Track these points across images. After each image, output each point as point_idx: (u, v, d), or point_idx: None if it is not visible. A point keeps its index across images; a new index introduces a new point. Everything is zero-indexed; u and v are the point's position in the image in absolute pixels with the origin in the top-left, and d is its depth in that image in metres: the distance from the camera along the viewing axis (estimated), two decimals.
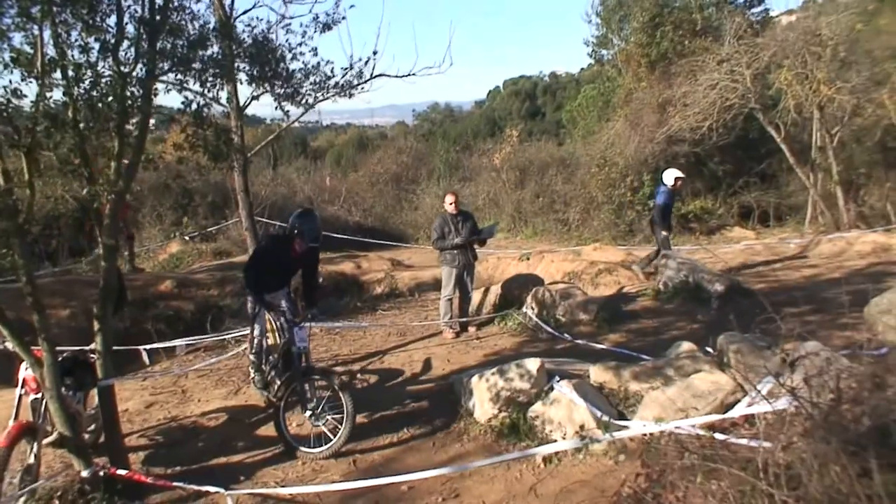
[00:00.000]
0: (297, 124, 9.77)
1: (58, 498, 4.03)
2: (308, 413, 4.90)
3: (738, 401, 3.96)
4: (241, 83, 5.98)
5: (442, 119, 58.14)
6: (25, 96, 3.55)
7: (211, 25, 4.90)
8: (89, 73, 3.79)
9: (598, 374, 5.21)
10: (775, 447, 2.39)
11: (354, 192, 21.66)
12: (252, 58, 5.44)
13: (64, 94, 3.72)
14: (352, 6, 7.13)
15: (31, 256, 4.09)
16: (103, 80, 3.87)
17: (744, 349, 4.80)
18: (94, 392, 4.57)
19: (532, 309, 7.85)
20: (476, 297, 8.45)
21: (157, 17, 3.96)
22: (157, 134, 14.91)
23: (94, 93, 3.82)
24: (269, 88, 6.09)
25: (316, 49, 6.72)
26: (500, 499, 4.00)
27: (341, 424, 4.74)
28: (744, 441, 2.82)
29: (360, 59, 7.59)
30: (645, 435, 3.54)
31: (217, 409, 5.87)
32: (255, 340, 5.72)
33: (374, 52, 7.61)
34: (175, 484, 4.21)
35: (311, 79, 6.80)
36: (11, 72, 3.50)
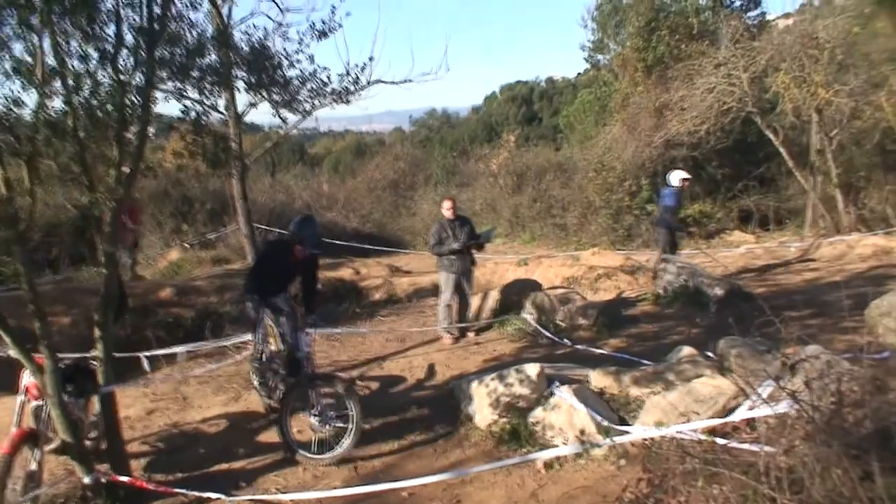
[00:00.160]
0: (294, 131, 9.79)
1: None
2: (314, 419, 4.87)
3: (740, 405, 3.96)
4: (239, 91, 5.98)
5: (439, 125, 58.13)
6: (26, 105, 3.57)
7: (209, 34, 4.92)
8: (89, 81, 3.80)
9: (598, 379, 5.22)
10: (777, 451, 2.40)
11: (352, 198, 21.65)
12: (249, 65, 5.43)
13: (64, 102, 3.72)
14: (348, 14, 7.15)
15: (32, 264, 4.10)
16: (102, 89, 3.88)
17: (745, 353, 4.81)
18: (96, 399, 4.55)
19: (531, 314, 7.85)
20: (475, 302, 8.45)
21: (156, 27, 3.97)
22: (157, 142, 14.91)
23: (94, 101, 3.83)
24: (266, 96, 6.08)
25: (313, 56, 6.70)
26: None
27: (346, 430, 4.72)
28: (745, 445, 2.83)
29: (357, 66, 7.59)
30: (646, 440, 3.54)
31: (217, 415, 5.86)
32: (258, 347, 5.69)
33: (371, 59, 7.63)
34: (176, 490, 4.21)
35: (308, 86, 6.77)
36: (13, 81, 3.51)
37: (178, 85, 4.44)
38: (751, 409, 3.51)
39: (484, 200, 20.45)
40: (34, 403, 4.31)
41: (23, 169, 3.66)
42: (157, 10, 3.99)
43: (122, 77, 3.90)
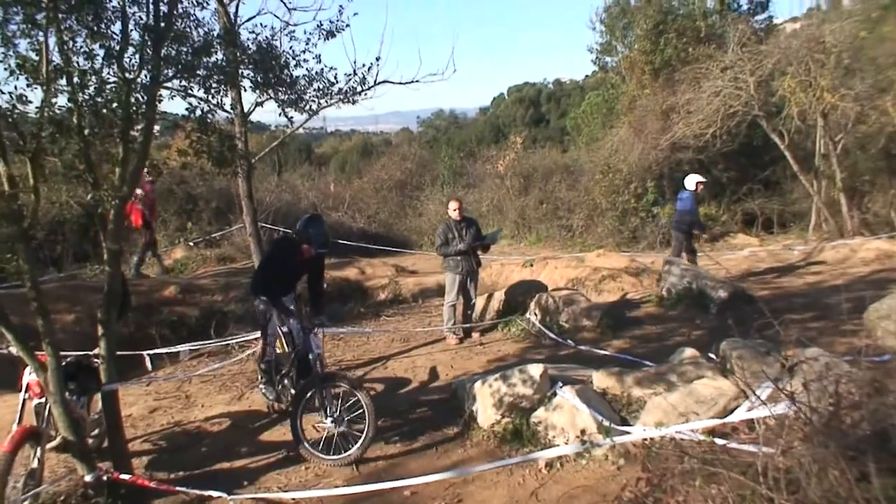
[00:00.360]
0: (301, 131, 9.82)
1: (61, 502, 4.05)
2: (327, 420, 4.84)
3: (741, 406, 3.95)
4: (246, 90, 5.99)
5: (446, 126, 58.27)
6: (31, 102, 3.57)
7: (215, 32, 4.95)
8: (94, 79, 3.81)
9: (600, 379, 5.22)
10: (775, 452, 2.39)
11: (359, 198, 21.70)
12: (256, 64, 5.45)
13: (69, 100, 3.73)
14: (355, 14, 7.16)
15: (35, 262, 4.12)
16: (108, 87, 3.90)
17: (746, 355, 4.80)
18: (98, 397, 4.58)
19: (535, 315, 7.86)
20: (480, 303, 8.47)
21: (162, 24, 3.99)
22: (162, 140, 14.97)
23: (99, 99, 3.84)
24: (272, 95, 6.11)
25: (319, 56, 6.72)
26: None
27: (361, 430, 4.70)
28: (744, 446, 2.83)
29: (364, 66, 7.60)
30: (646, 440, 3.54)
31: (220, 414, 5.88)
32: (267, 349, 5.65)
33: (378, 59, 7.62)
34: (178, 489, 4.22)
35: (315, 85, 6.79)
36: (17, 78, 3.52)
37: (184, 83, 4.46)
38: (749, 410, 3.50)
39: (490, 202, 20.46)
40: (36, 401, 4.34)
41: (27, 166, 3.68)
42: (163, 7, 4.02)
43: (127, 75, 3.92)
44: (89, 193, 3.95)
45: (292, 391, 5.29)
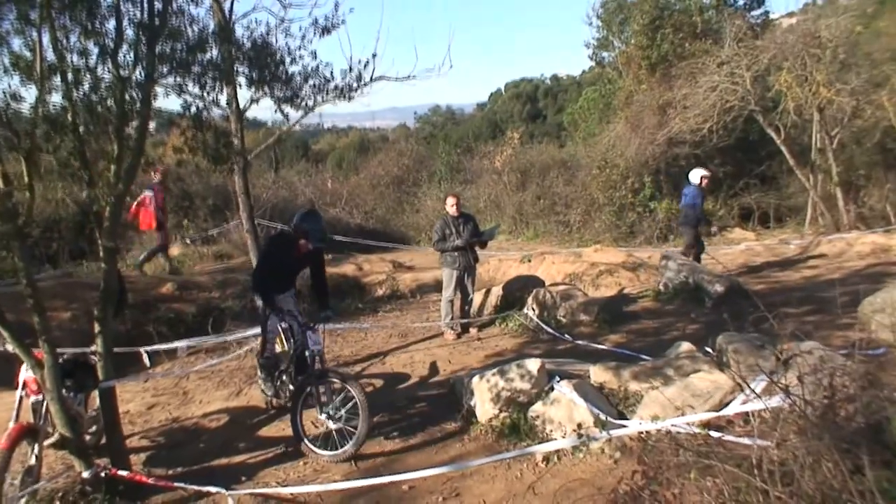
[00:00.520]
0: (298, 127, 9.77)
1: (59, 499, 4.04)
2: (325, 416, 4.85)
3: (736, 399, 3.97)
4: (241, 86, 5.97)
5: (443, 121, 58.14)
6: (25, 100, 3.57)
7: (210, 29, 4.92)
8: (88, 76, 3.80)
9: (598, 374, 5.23)
10: (769, 444, 2.41)
11: (356, 194, 21.68)
12: (251, 61, 5.43)
13: (63, 97, 3.73)
14: (351, 10, 7.13)
15: (31, 259, 4.12)
16: (102, 84, 3.88)
17: (742, 349, 4.82)
18: (96, 394, 4.58)
19: (533, 310, 7.87)
20: (477, 298, 8.48)
21: (156, 21, 3.98)
22: (158, 137, 14.92)
23: (94, 96, 3.83)
24: (268, 92, 6.09)
25: (315, 52, 6.70)
26: (500, 498, 4.01)
27: (356, 426, 4.70)
28: (739, 438, 2.84)
29: (360, 62, 7.57)
30: (642, 433, 3.56)
31: (218, 410, 5.89)
32: (267, 345, 5.64)
33: (374, 55, 7.58)
34: (176, 485, 4.22)
35: (311, 82, 6.78)
36: (11, 76, 3.52)
37: (179, 80, 4.44)
38: (745, 403, 3.52)
39: (488, 197, 20.47)
40: (33, 398, 4.33)
41: (22, 164, 3.67)
42: (157, 4, 4.00)
43: (122, 72, 3.91)
44: (84, 191, 3.94)
45: (291, 387, 5.29)
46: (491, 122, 51.18)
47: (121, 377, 5.46)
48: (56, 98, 3.75)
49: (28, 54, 3.60)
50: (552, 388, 4.85)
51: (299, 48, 6.34)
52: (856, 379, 2.64)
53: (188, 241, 13.79)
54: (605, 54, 21.75)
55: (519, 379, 4.96)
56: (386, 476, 4.07)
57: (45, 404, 4.21)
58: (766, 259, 11.45)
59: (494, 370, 5.14)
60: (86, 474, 4.06)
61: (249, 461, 4.86)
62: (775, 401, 2.85)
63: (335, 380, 4.96)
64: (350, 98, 7.71)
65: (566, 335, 7.27)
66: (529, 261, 10.77)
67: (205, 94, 4.62)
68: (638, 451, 3.48)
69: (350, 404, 4.79)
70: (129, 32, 4.01)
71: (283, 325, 5.42)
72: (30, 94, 3.60)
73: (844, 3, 15.03)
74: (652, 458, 2.81)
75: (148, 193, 10.14)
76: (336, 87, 7.39)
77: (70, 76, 3.70)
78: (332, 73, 7.07)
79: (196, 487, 4.15)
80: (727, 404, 4.01)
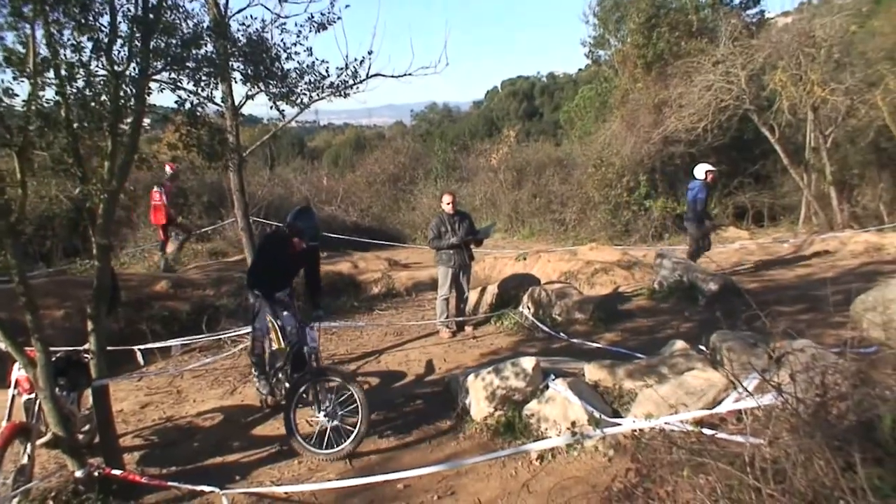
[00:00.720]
0: (294, 124, 9.77)
1: (52, 498, 4.02)
2: (321, 413, 4.84)
3: (729, 397, 3.98)
4: (236, 82, 5.97)
5: (440, 119, 58.12)
6: (17, 95, 3.54)
7: (205, 24, 4.92)
8: (82, 72, 3.78)
9: (592, 372, 5.24)
10: (762, 442, 2.42)
11: (352, 192, 21.65)
12: (246, 57, 5.43)
13: (56, 93, 3.70)
14: (347, 6, 7.12)
15: (24, 257, 4.10)
16: (96, 80, 3.87)
17: (736, 347, 4.83)
18: (89, 392, 4.56)
19: (528, 308, 7.88)
20: (473, 296, 8.48)
21: (151, 16, 3.96)
22: (153, 133, 14.87)
23: (87, 92, 3.81)
24: (263, 88, 6.08)
25: (311, 49, 6.71)
26: (495, 496, 4.02)
27: (354, 424, 4.70)
28: (731, 436, 2.85)
29: (356, 59, 7.57)
30: (636, 431, 3.57)
31: (212, 409, 5.87)
32: (256, 343, 5.63)
33: (370, 52, 7.59)
34: (170, 484, 4.20)
35: (306, 78, 6.78)
36: (3, 71, 3.49)
37: (174, 76, 4.43)
38: (737, 401, 3.53)
39: (484, 195, 20.48)
40: (25, 397, 4.32)
41: (14, 160, 3.64)
42: None
43: (116, 67, 3.89)
44: (78, 188, 3.92)
45: (286, 385, 5.28)
46: (487, 120, 51.15)
47: (114, 376, 5.46)
48: (49, 94, 3.73)
49: (21, 49, 3.57)
50: (547, 387, 4.86)
51: (295, 44, 6.35)
52: (848, 377, 2.66)
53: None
54: (601, 52, 21.79)
55: (514, 377, 4.97)
56: (381, 475, 4.07)
57: (37, 403, 4.19)
58: (759, 258, 11.48)
59: (489, 368, 5.15)
60: (79, 473, 4.04)
61: (243, 460, 4.85)
62: (768, 399, 2.86)
63: (334, 378, 4.95)
64: (346, 95, 7.72)
65: (561, 333, 7.28)
66: (525, 259, 10.78)
67: (200, 90, 4.63)
68: (632, 449, 3.49)
69: (347, 402, 4.79)
70: (124, 27, 4.00)
71: (278, 322, 5.39)
72: (23, 89, 3.58)
73: (839, 2, 15.08)
74: (645, 455, 2.82)
75: (159, 189, 10.40)
76: (332, 84, 7.40)
77: (64, 71, 3.67)
78: (327, 69, 7.08)
79: (190, 486, 4.12)
80: (720, 402, 4.03)
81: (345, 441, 4.70)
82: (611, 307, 8.23)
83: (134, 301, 8.32)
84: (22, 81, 3.55)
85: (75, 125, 3.80)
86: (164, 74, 4.32)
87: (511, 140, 22.48)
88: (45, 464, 4.59)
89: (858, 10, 14.82)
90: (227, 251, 12.72)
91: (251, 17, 6.14)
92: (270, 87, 6.07)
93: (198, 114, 4.57)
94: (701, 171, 9.88)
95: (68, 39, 3.75)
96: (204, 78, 4.54)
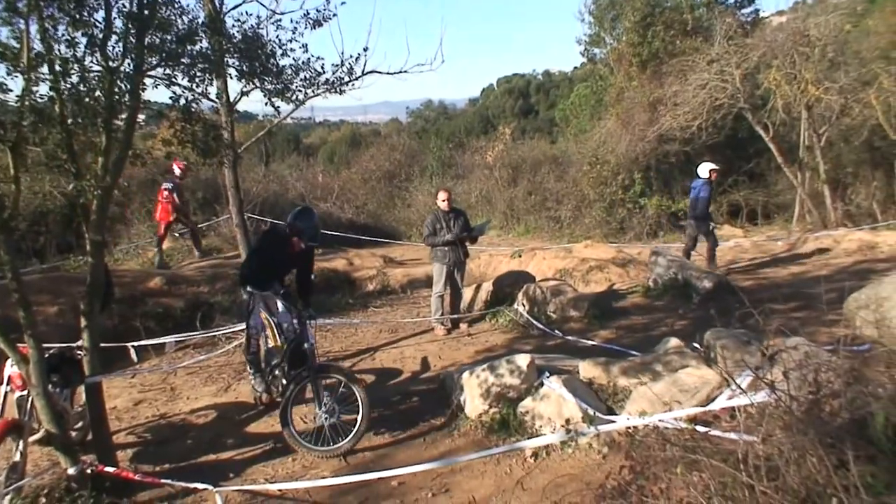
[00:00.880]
0: (289, 121, 9.76)
1: (44, 496, 4.00)
2: (321, 411, 4.82)
3: (723, 395, 4.01)
4: (231, 79, 5.93)
5: (436, 116, 58.11)
6: (11, 91, 3.53)
7: (200, 20, 4.88)
8: (76, 67, 3.75)
9: (587, 369, 5.26)
10: (755, 439, 2.43)
11: (347, 188, 21.61)
12: (242, 53, 5.40)
13: (50, 88, 3.67)
14: (343, 2, 7.09)
15: (17, 253, 4.07)
16: (90, 75, 3.84)
17: (730, 345, 4.85)
18: (82, 389, 4.54)
19: (523, 306, 7.90)
20: (468, 293, 8.49)
21: (146, 12, 3.94)
22: (147, 130, 14.80)
23: (82, 88, 3.79)
24: (258, 84, 6.06)
25: (306, 45, 6.69)
26: (489, 493, 4.03)
27: (354, 421, 4.70)
28: (725, 434, 2.87)
29: (351, 56, 7.56)
30: (630, 428, 3.59)
31: (206, 406, 5.86)
32: (252, 339, 5.61)
33: (365, 49, 7.57)
34: (163, 481, 4.19)
35: (302, 75, 6.75)
36: None
37: (168, 72, 4.40)
38: (731, 398, 3.55)
39: (479, 192, 20.49)
40: (18, 394, 4.30)
41: (7, 156, 3.62)
42: None
43: (110, 63, 3.87)
44: (71, 184, 3.90)
45: (283, 382, 5.27)
46: (483, 118, 51.18)
47: (107, 372, 5.43)
48: (43, 89, 3.70)
49: (15, 44, 3.55)
50: (541, 384, 4.87)
51: (290, 41, 6.32)
52: (841, 374, 2.67)
53: (177, 235, 13.70)
54: (596, 51, 21.84)
55: (508, 374, 4.98)
56: (375, 472, 4.08)
57: (30, 400, 4.17)
58: (753, 255, 11.53)
59: (484, 366, 5.15)
60: (71, 471, 4.02)
61: (238, 457, 4.85)
62: (761, 396, 2.88)
63: (334, 375, 4.95)
64: (341, 92, 7.70)
65: (556, 331, 7.30)
66: (520, 256, 10.79)
67: (194, 86, 4.60)
68: (626, 447, 3.50)
69: (348, 399, 4.78)
70: (118, 23, 3.98)
71: (274, 319, 5.38)
72: (16, 84, 3.55)
73: (834, 1, 15.13)
74: (639, 452, 2.83)
75: (167, 185, 10.68)
76: (327, 81, 7.38)
77: (58, 67, 3.65)
78: (323, 66, 7.05)
79: (183, 484, 4.12)
80: (714, 400, 4.05)
81: (342, 438, 4.70)
82: (605, 305, 8.25)
83: (128, 297, 8.28)
84: (16, 77, 3.53)
85: (69, 121, 3.77)
86: (159, 70, 4.29)
87: (507, 137, 22.49)
88: (37, 461, 4.58)
89: (853, 9, 14.88)
90: (222, 248, 12.67)
91: (246, 13, 6.11)
92: (266, 83, 6.04)
93: (192, 110, 4.55)
94: (705, 169, 9.92)
95: (63, 35, 3.73)
96: (199, 74, 4.51)
